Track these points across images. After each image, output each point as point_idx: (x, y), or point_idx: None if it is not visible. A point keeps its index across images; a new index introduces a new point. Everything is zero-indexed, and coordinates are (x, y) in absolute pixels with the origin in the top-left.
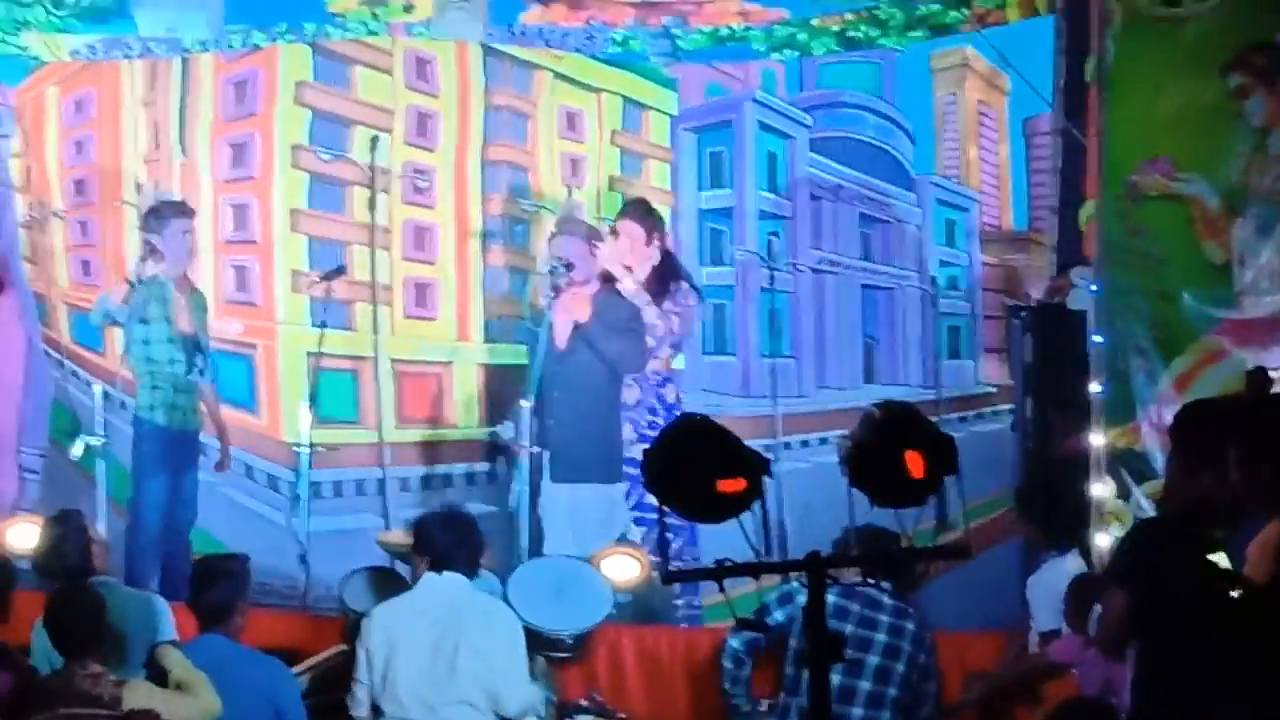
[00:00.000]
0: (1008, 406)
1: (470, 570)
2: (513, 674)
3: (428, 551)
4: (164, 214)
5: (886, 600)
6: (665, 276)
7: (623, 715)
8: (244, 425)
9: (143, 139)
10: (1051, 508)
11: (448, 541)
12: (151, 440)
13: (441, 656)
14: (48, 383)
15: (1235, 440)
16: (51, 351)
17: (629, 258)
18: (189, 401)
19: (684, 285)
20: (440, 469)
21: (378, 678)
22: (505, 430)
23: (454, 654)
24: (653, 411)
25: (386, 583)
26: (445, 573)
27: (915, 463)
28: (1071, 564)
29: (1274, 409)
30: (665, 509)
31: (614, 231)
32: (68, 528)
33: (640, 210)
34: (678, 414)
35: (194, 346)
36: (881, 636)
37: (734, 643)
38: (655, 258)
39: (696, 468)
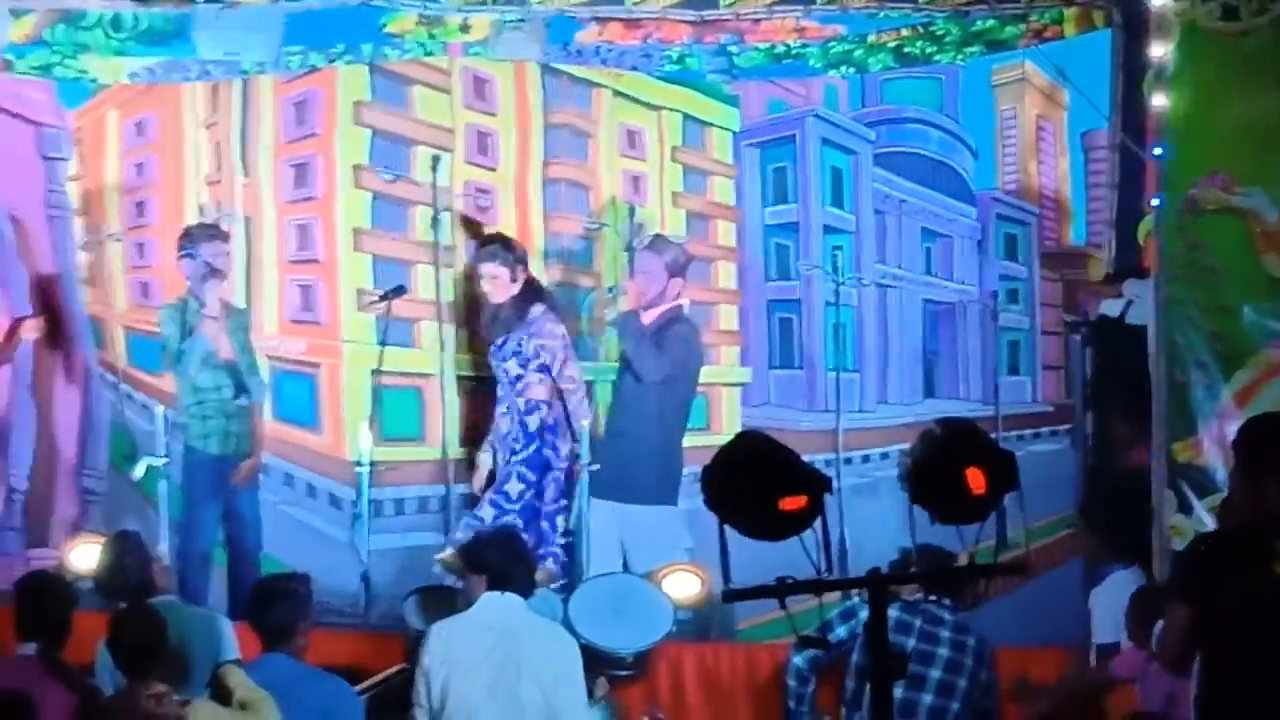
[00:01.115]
0: (1066, 426)
1: (526, 590)
2: (572, 698)
3: (483, 571)
4: (196, 237)
5: (947, 616)
6: (527, 302)
7: None
8: (307, 444)
9: (204, 160)
10: (1115, 521)
11: (502, 561)
12: (204, 469)
13: (502, 678)
14: (105, 406)
15: None
16: (108, 375)
17: (500, 294)
18: (242, 427)
19: (546, 310)
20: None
21: (436, 699)
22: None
23: (515, 676)
24: (516, 439)
25: (448, 602)
26: (503, 593)
27: (976, 479)
28: (1135, 578)
29: None
30: (725, 526)
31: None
32: (126, 547)
33: (500, 248)
34: (539, 442)
35: (237, 368)
36: (944, 651)
37: (798, 661)
38: (517, 290)
39: (757, 486)
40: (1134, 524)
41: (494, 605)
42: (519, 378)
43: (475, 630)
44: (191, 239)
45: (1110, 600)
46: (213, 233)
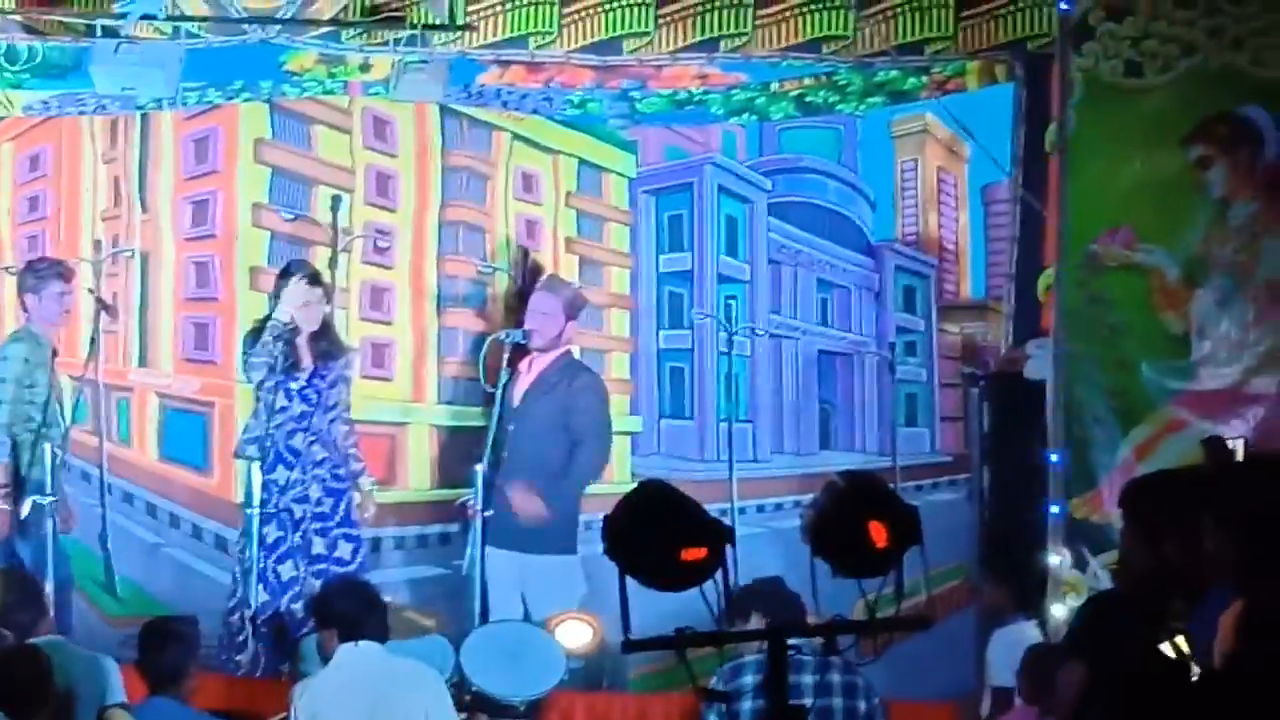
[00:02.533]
0: (964, 476)
1: (380, 636)
2: None
3: (334, 624)
4: (43, 273)
5: (838, 667)
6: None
7: None
8: (194, 485)
9: (102, 195)
10: (1014, 573)
11: (353, 611)
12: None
13: None
14: None
15: (1208, 509)
16: None
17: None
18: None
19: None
20: (391, 531)
21: None
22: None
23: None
24: (335, 465)
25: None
26: (359, 642)
27: (879, 532)
28: (1033, 630)
29: (1242, 476)
30: (626, 576)
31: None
32: (13, 581)
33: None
34: (355, 460)
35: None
36: (839, 701)
37: None
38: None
39: (659, 535)
40: (1029, 577)
41: (351, 657)
42: (335, 406)
43: (338, 687)
44: (39, 275)
45: (1008, 645)
46: (60, 270)
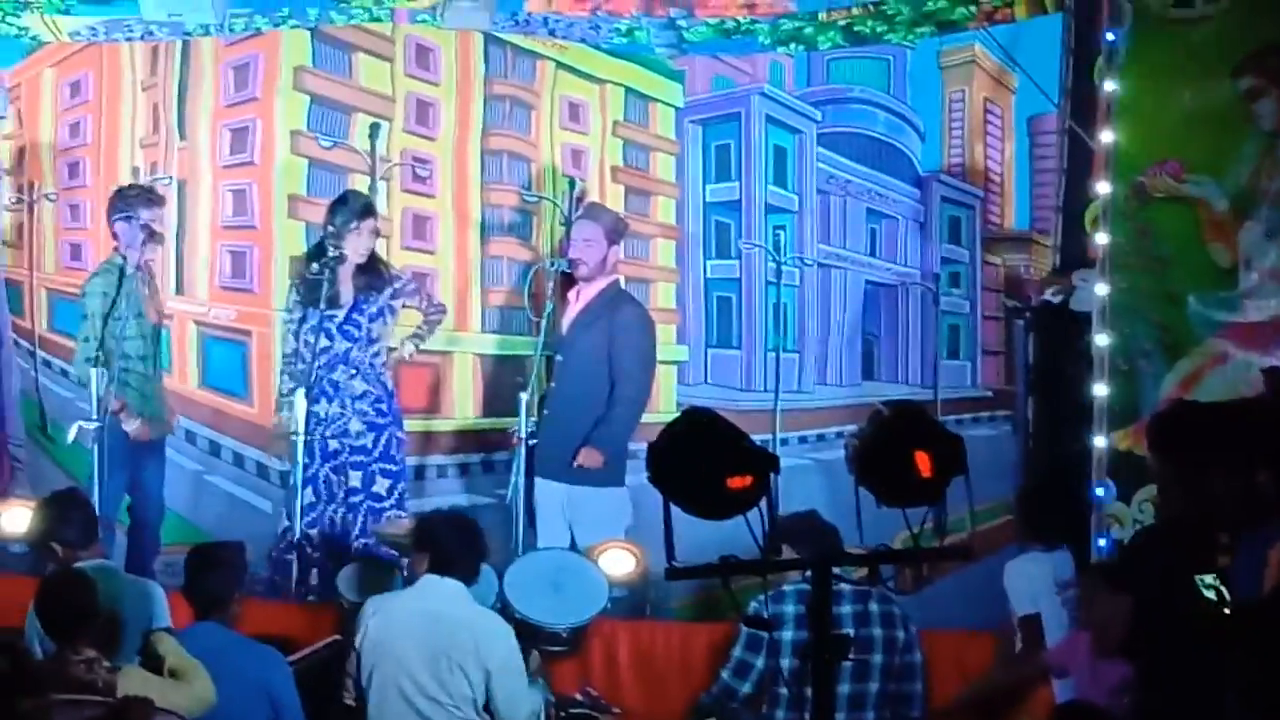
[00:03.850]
0: (1005, 412)
1: (470, 577)
2: (514, 687)
3: (430, 551)
4: (133, 200)
5: (873, 593)
6: (375, 262)
7: (616, 709)
8: (235, 413)
9: (141, 123)
10: (1046, 508)
11: (452, 544)
12: (114, 437)
13: (430, 665)
14: (17, 374)
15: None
16: (22, 341)
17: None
18: (157, 409)
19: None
20: (435, 459)
21: (365, 673)
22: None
23: (445, 666)
24: (378, 400)
25: (382, 575)
26: (446, 577)
27: (923, 462)
28: (1056, 561)
29: None
30: (671, 504)
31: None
32: (75, 502)
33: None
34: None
35: (161, 336)
36: (878, 632)
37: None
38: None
39: (704, 464)
40: (1065, 512)
41: (433, 588)
42: (379, 339)
43: (409, 612)
44: (128, 202)
45: (1026, 575)
46: (150, 197)
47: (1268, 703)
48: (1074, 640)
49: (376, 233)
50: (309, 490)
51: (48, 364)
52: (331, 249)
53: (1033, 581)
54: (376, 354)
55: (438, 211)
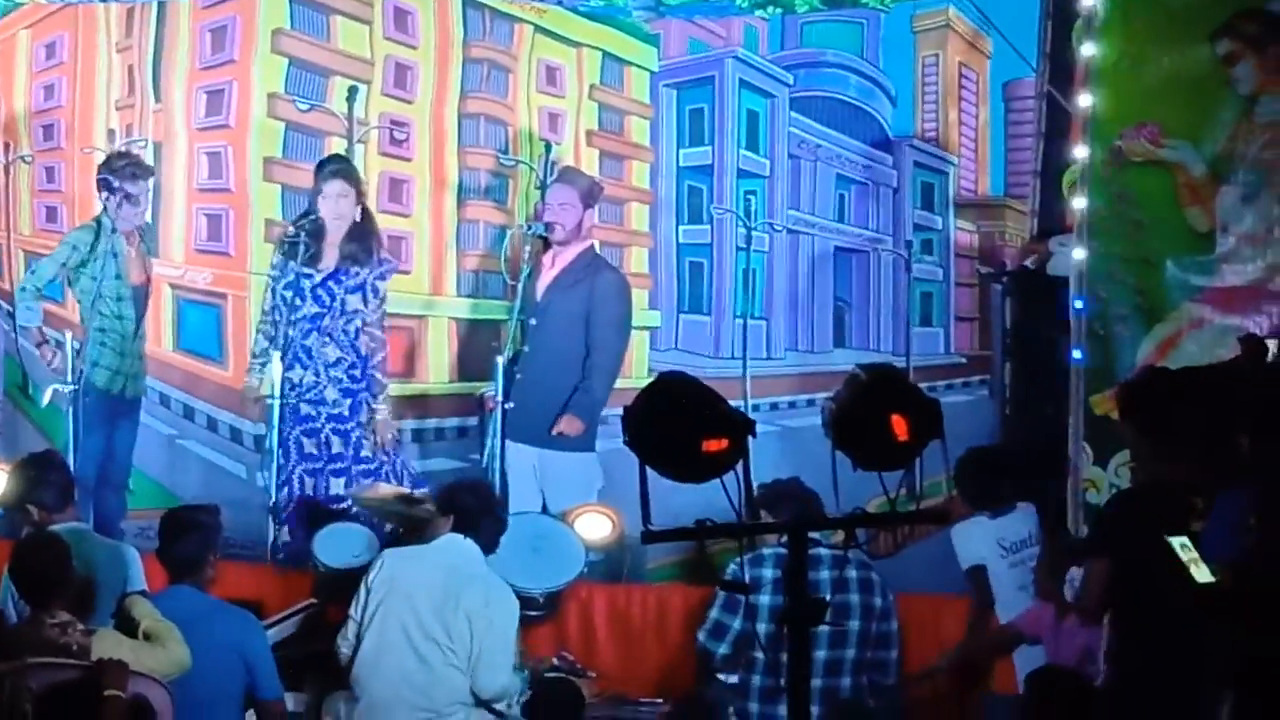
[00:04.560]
0: (979, 377)
1: (490, 545)
2: (498, 656)
3: (453, 512)
4: (119, 169)
5: (851, 558)
6: (366, 235)
7: (593, 673)
8: (210, 376)
9: (116, 85)
10: (980, 477)
11: (475, 508)
12: (91, 399)
13: (436, 614)
14: None
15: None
16: (1, 303)
17: (345, 217)
18: (134, 367)
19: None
20: (410, 423)
21: (368, 616)
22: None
23: (450, 614)
24: (352, 366)
25: (359, 539)
26: (467, 538)
27: (900, 426)
28: (1001, 525)
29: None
30: (647, 467)
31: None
32: (47, 468)
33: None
34: (373, 366)
35: (144, 298)
36: (855, 598)
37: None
38: (356, 215)
39: (680, 427)
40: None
41: (454, 545)
42: (355, 312)
43: (426, 563)
44: (113, 170)
45: (968, 535)
46: (137, 168)
47: (1253, 665)
48: (1039, 609)
49: (355, 198)
50: (288, 457)
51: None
52: (313, 209)
53: (973, 542)
54: (349, 321)
55: (414, 175)
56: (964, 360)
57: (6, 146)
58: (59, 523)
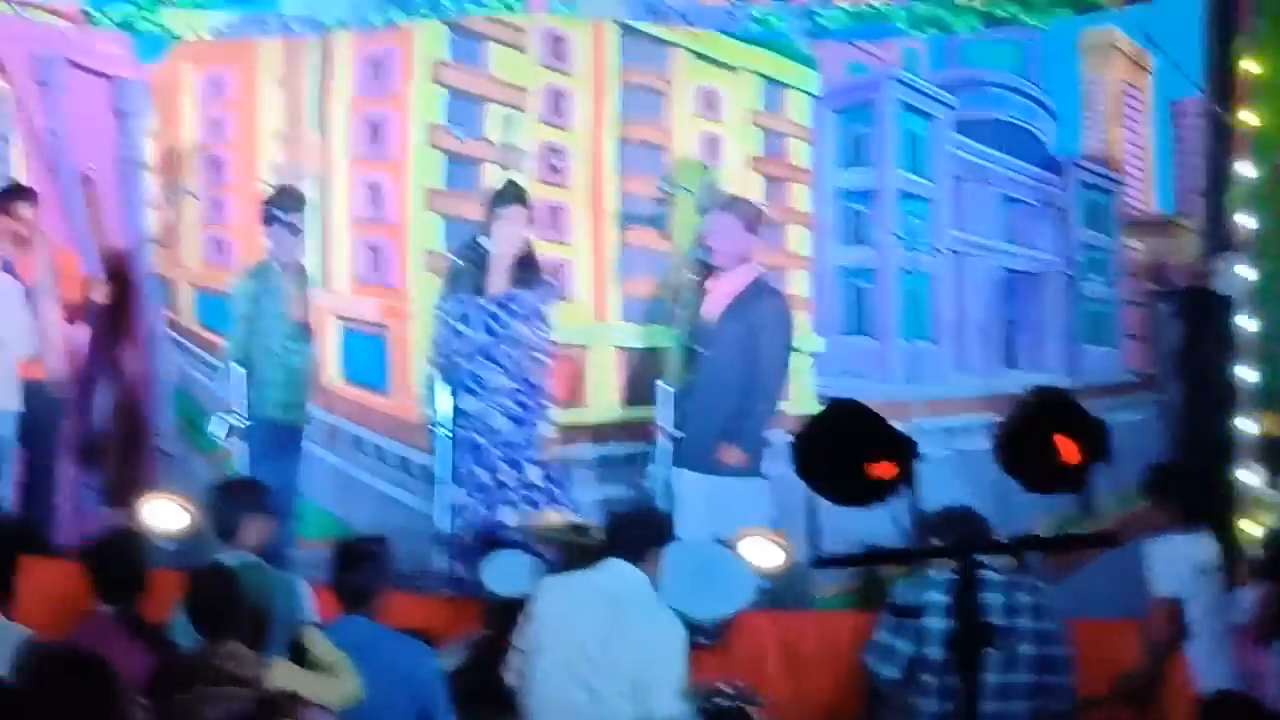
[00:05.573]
0: (1150, 394)
1: (652, 571)
2: (665, 685)
3: (620, 542)
4: (283, 203)
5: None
6: (531, 261)
7: (762, 701)
8: (375, 407)
9: (279, 118)
10: (1179, 489)
11: (643, 538)
12: (258, 430)
13: (599, 644)
14: (172, 367)
15: None
16: (176, 335)
17: (515, 244)
18: (300, 398)
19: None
20: (577, 451)
21: (535, 643)
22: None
23: (618, 640)
24: (520, 393)
25: (529, 566)
26: (634, 565)
27: (1068, 448)
28: (1199, 545)
29: None
30: (815, 494)
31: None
32: (245, 493)
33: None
34: (542, 393)
35: (307, 332)
36: (1027, 623)
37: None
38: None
39: (846, 452)
40: (1206, 495)
41: (617, 572)
42: (523, 338)
43: (593, 591)
44: (278, 204)
45: (1166, 555)
46: (299, 200)
47: None
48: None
49: (528, 223)
50: (460, 488)
51: (197, 358)
52: (483, 238)
53: (1174, 564)
54: (517, 348)
55: (572, 202)
56: (1135, 378)
57: (174, 182)
58: (240, 549)
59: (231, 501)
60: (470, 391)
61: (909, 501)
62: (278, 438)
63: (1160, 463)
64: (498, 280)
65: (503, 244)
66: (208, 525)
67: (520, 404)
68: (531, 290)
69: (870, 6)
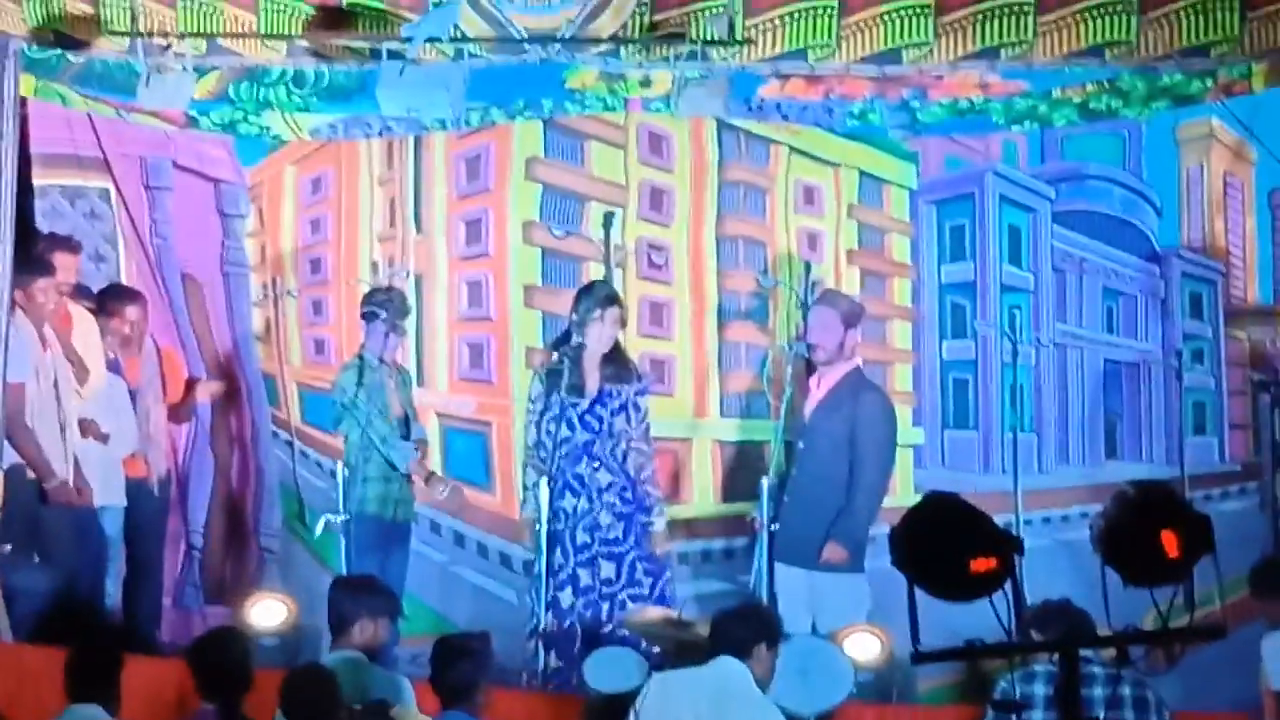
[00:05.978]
0: (1254, 484)
1: (766, 672)
2: None
3: (724, 641)
4: (381, 301)
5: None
6: (622, 355)
7: None
8: (478, 503)
9: (379, 217)
10: None
11: (744, 637)
12: (362, 526)
13: None
14: (276, 464)
15: None
16: (280, 432)
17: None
18: (404, 493)
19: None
20: (678, 545)
21: None
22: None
23: None
24: (623, 489)
25: (630, 664)
26: (739, 661)
27: (1171, 542)
28: None
29: None
30: (915, 587)
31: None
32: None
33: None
34: (647, 487)
35: (406, 428)
36: (1130, 715)
37: None
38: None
39: (947, 547)
40: None
41: (724, 669)
42: (621, 433)
43: (696, 687)
44: (377, 302)
45: None
46: (397, 303)
47: None
48: None
49: (621, 322)
50: (565, 587)
51: (304, 455)
52: (575, 337)
53: None
54: (617, 444)
55: (674, 298)
56: (1239, 468)
57: (275, 281)
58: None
59: (349, 599)
60: (572, 491)
61: (1010, 595)
62: (384, 534)
63: (1270, 557)
64: (591, 378)
65: (595, 343)
66: (323, 622)
67: (623, 499)
68: (625, 384)
69: (968, 101)
